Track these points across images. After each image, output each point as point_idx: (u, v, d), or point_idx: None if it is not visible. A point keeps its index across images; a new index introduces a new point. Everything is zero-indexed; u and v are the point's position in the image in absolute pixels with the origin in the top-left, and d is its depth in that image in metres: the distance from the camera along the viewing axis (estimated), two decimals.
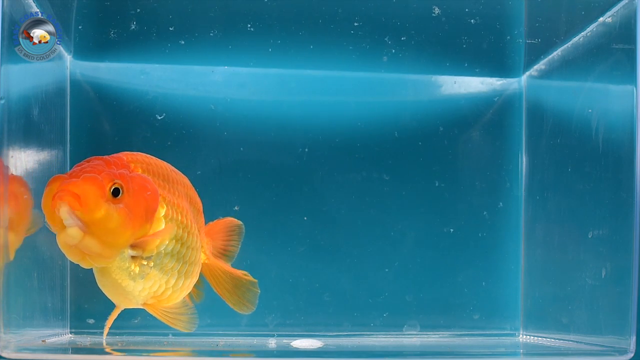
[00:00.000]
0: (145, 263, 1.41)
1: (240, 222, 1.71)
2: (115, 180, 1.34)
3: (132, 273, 1.40)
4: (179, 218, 1.48)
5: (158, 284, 1.46)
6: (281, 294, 1.92)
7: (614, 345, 1.57)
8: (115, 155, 1.42)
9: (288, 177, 1.94)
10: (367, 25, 1.87)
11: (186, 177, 1.58)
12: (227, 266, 1.67)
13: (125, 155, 1.43)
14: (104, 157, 1.40)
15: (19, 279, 1.54)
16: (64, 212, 1.28)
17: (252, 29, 1.85)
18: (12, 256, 1.52)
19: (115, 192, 1.33)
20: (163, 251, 1.44)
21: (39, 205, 1.33)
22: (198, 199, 1.61)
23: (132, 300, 1.47)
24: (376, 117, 1.97)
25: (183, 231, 1.49)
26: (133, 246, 1.39)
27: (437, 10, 1.79)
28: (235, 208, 1.89)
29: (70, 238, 1.30)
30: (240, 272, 1.66)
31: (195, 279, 1.58)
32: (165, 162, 1.53)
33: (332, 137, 1.95)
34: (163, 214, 1.44)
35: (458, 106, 1.99)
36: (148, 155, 1.50)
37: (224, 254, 1.69)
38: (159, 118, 1.88)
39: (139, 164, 1.45)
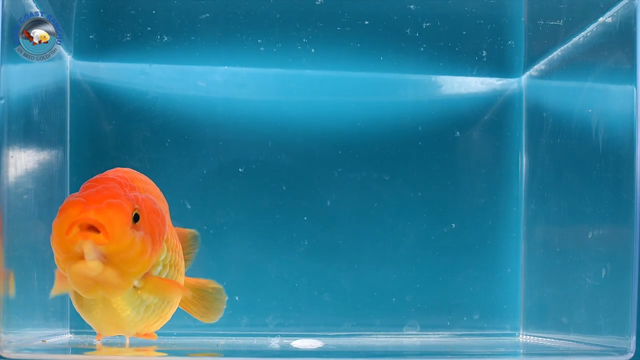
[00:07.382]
0: (149, 292, 1.32)
1: (196, 233, 1.59)
2: (135, 205, 1.22)
3: (134, 303, 1.31)
4: (173, 241, 1.40)
5: (156, 313, 1.37)
6: (281, 294, 1.92)
7: (614, 345, 1.56)
8: (118, 173, 1.29)
9: (288, 177, 1.93)
10: (367, 25, 1.87)
11: (161, 192, 1.49)
12: (188, 278, 1.56)
13: (125, 174, 1.30)
14: (112, 176, 1.26)
15: (19, 279, 1.54)
16: (88, 245, 1.15)
17: (251, 29, 1.86)
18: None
19: (136, 218, 1.21)
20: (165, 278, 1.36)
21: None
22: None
23: (126, 329, 1.37)
24: (376, 117, 1.97)
25: (178, 255, 1.41)
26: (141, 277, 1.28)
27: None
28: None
29: (91, 270, 1.18)
30: (204, 281, 1.55)
31: (177, 305, 1.49)
32: (148, 178, 1.43)
33: (332, 137, 1.95)
34: (165, 237, 1.33)
35: (458, 106, 1.99)
36: (136, 171, 1.40)
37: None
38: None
39: (138, 182, 1.32)
